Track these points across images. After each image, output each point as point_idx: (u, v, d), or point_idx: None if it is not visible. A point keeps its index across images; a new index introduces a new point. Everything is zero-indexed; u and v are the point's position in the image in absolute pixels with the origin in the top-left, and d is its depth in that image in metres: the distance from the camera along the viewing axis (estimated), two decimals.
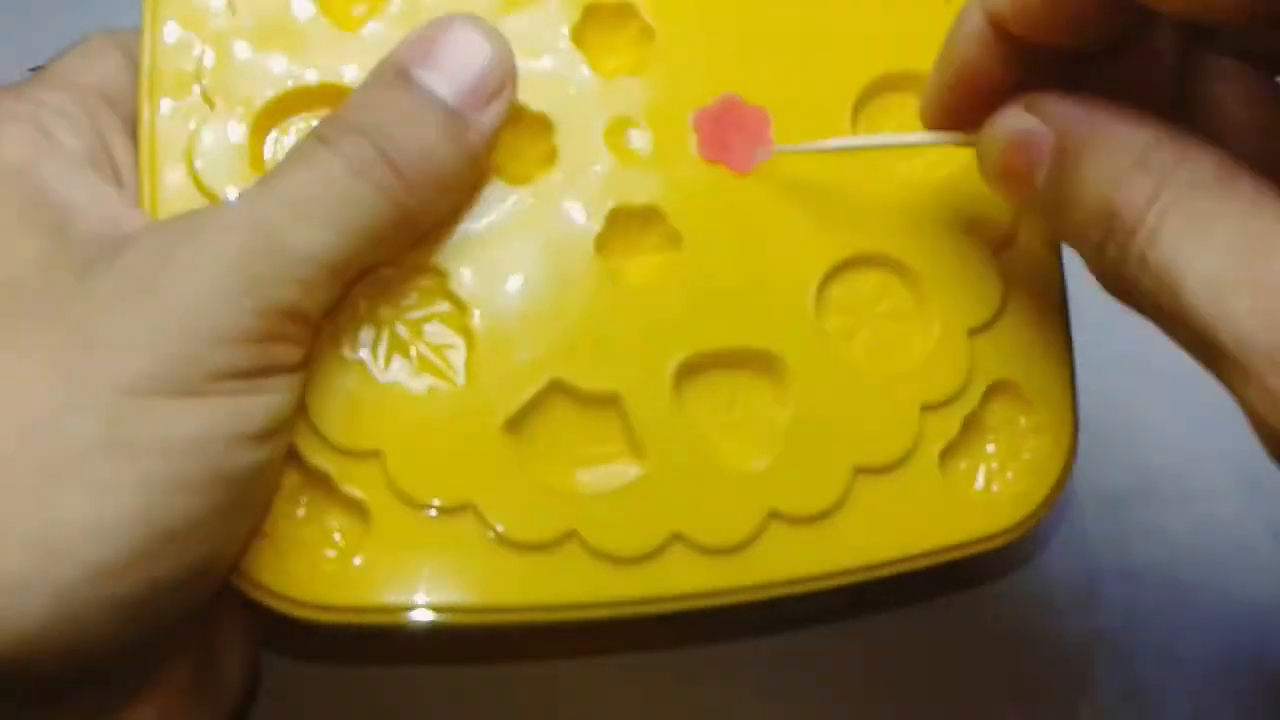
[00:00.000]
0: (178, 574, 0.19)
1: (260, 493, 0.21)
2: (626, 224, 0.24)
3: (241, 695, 0.24)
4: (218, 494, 0.20)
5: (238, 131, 0.23)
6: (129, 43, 0.24)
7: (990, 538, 0.24)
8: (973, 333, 0.25)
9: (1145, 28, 0.21)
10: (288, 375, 0.21)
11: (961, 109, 0.21)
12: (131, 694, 0.21)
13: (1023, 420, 0.25)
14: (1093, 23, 0.19)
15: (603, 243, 0.24)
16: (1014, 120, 0.20)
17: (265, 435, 0.20)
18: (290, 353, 0.21)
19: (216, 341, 0.19)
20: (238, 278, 0.20)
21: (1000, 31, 0.20)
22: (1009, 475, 0.24)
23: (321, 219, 0.21)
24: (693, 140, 0.24)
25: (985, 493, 0.24)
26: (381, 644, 0.28)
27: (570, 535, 0.23)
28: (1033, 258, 0.25)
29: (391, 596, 0.22)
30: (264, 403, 0.20)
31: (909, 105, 0.25)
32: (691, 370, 0.24)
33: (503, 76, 0.23)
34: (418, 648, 0.27)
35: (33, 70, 0.24)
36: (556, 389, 0.23)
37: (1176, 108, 0.21)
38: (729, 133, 0.24)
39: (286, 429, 0.21)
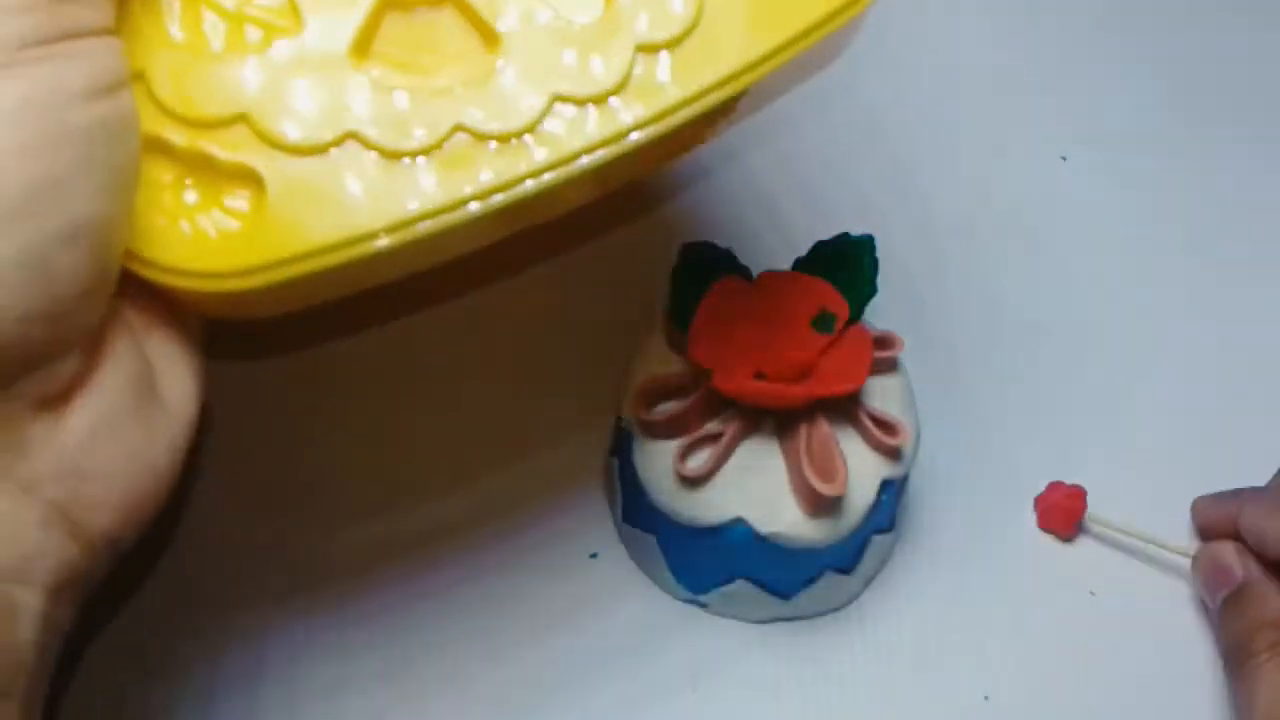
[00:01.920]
0: (63, 230, 0.20)
1: (118, 153, 0.21)
2: None
3: (190, 421, 0.24)
4: (66, 152, 0.20)
5: None
6: None
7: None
8: None
9: None
10: (94, 38, 0.21)
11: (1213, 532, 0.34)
12: (67, 387, 0.21)
13: None
14: None
15: None
16: (1226, 556, 0.32)
17: (91, 94, 0.20)
18: (87, 15, 0.21)
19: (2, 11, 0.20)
20: None
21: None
22: None
23: None
24: None
25: None
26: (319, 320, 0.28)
27: (455, 130, 0.23)
28: None
29: (315, 237, 0.23)
30: (77, 67, 0.20)
31: None
32: None
33: None
34: (348, 309, 0.28)
35: None
36: (386, 5, 0.24)
37: None
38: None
39: (116, 87, 0.21)
